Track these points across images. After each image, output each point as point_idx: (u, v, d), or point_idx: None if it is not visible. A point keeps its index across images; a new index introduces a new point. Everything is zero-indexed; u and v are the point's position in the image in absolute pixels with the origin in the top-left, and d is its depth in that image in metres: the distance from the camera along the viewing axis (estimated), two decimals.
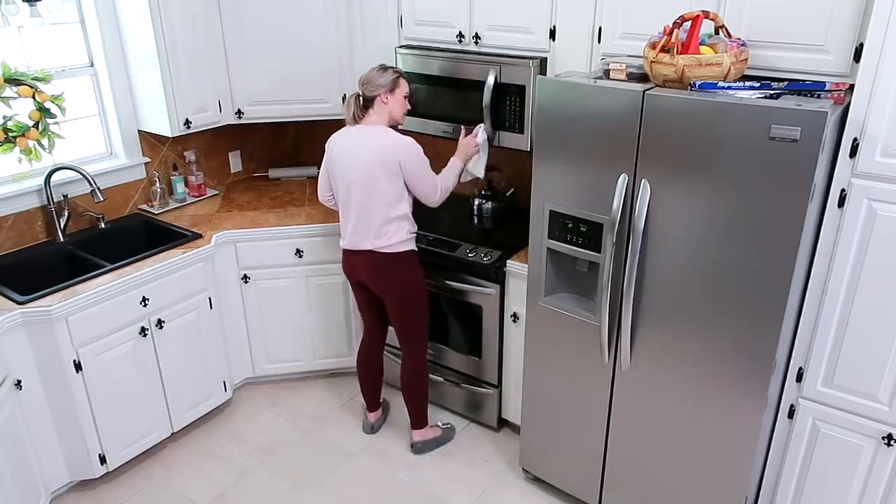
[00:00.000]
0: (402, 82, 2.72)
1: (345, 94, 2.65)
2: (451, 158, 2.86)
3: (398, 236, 2.74)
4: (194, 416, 3.23)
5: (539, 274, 2.56)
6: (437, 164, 3.62)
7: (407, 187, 2.72)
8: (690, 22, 2.12)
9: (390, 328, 3.13)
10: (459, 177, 2.88)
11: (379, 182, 2.65)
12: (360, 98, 2.72)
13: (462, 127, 2.97)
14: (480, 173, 2.94)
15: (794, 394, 2.32)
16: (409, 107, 2.79)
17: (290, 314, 3.44)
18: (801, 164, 1.87)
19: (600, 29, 2.59)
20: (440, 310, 3.18)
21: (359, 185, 2.68)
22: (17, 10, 2.81)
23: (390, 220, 2.71)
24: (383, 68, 2.71)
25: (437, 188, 2.75)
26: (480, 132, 2.87)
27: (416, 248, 2.83)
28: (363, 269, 2.82)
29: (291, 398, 3.54)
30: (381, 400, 3.32)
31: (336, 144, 2.76)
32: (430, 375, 3.30)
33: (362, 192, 2.68)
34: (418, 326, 2.93)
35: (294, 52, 3.34)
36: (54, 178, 3.04)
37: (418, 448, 3.13)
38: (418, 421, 3.10)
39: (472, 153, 2.89)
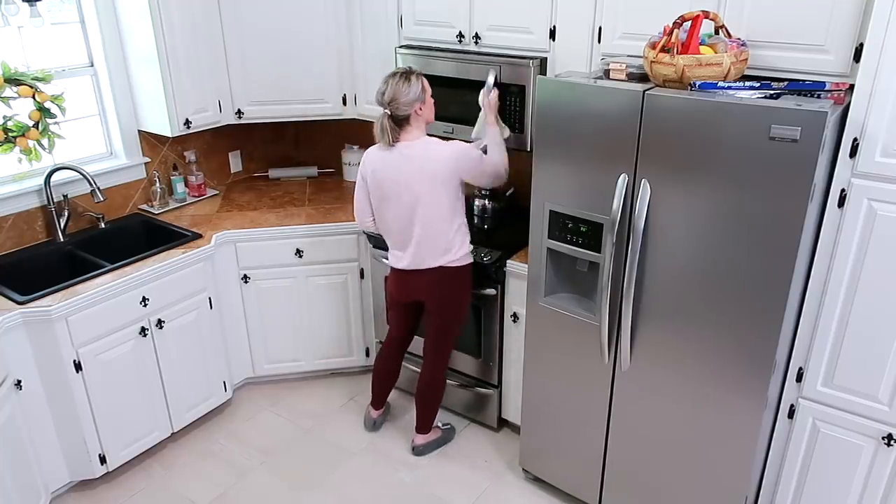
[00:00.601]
0: (426, 83, 2.62)
1: (385, 90, 2.57)
2: (487, 130, 2.76)
3: (465, 248, 2.74)
4: (194, 416, 3.23)
5: (539, 274, 2.56)
6: None
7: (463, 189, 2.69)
8: (690, 22, 2.12)
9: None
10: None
11: (441, 198, 2.61)
12: (392, 119, 2.59)
13: (480, 101, 2.84)
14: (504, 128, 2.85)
15: (794, 394, 2.32)
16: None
17: (290, 314, 3.44)
18: (801, 164, 1.87)
19: (600, 29, 2.58)
20: None
21: (421, 207, 2.63)
22: (17, 10, 2.81)
23: (456, 232, 2.70)
24: (405, 78, 2.55)
25: (497, 167, 2.69)
26: (489, 79, 2.77)
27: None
28: (425, 286, 2.78)
29: (291, 398, 3.54)
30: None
31: (379, 169, 2.65)
32: None
33: (426, 212, 2.63)
34: (452, 337, 2.94)
35: (294, 52, 3.34)
36: (54, 178, 3.04)
37: (419, 451, 3.13)
38: (424, 426, 3.10)
39: (496, 105, 2.77)
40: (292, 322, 3.46)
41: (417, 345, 3.18)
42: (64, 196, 3.12)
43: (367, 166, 2.71)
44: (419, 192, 2.61)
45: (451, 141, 2.63)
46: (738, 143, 1.95)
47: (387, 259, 2.89)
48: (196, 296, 3.09)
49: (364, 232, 3.26)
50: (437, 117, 3.08)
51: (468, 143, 2.67)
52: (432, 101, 2.69)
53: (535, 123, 2.38)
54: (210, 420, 3.36)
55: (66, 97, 2.92)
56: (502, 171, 2.73)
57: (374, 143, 2.74)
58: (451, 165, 2.59)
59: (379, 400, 3.24)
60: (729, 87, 2.05)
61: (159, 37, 3.04)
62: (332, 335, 3.53)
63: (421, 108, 2.61)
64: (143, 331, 2.88)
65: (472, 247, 2.81)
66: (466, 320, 2.99)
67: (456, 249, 2.71)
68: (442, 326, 2.88)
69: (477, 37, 2.94)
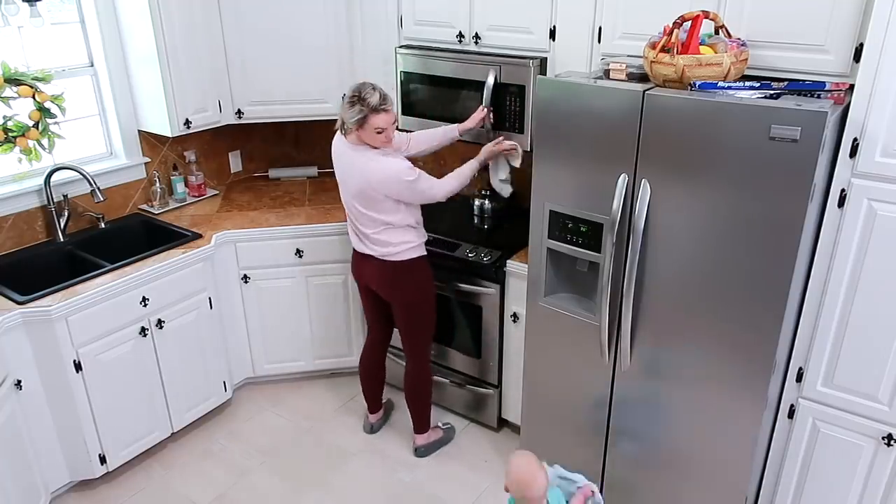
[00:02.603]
0: (373, 119, 2.50)
1: (344, 94, 2.62)
2: (473, 160, 2.81)
3: (400, 246, 2.72)
4: (194, 416, 3.23)
5: (539, 274, 2.56)
6: (435, 166, 3.62)
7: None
8: (690, 22, 2.12)
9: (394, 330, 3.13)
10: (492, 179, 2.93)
11: (370, 200, 2.64)
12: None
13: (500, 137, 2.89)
14: (506, 191, 3.03)
15: (794, 394, 2.32)
16: (387, 136, 2.58)
17: (290, 314, 3.44)
18: (801, 165, 1.87)
19: (600, 29, 2.58)
20: (440, 310, 3.17)
21: (355, 201, 2.69)
22: (17, 10, 2.81)
23: (396, 227, 2.68)
24: (351, 103, 2.52)
25: (434, 195, 2.68)
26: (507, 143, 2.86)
27: (424, 254, 2.81)
28: (370, 274, 2.82)
29: (291, 398, 3.54)
30: (384, 400, 3.32)
31: (338, 154, 2.72)
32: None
33: (358, 206, 2.69)
34: (424, 332, 2.93)
35: (294, 52, 3.33)
36: (54, 178, 3.04)
37: (421, 452, 3.13)
38: (421, 425, 3.10)
39: (493, 156, 2.86)
40: (292, 322, 3.46)
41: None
42: (64, 196, 3.12)
43: (333, 146, 2.75)
44: (353, 185, 2.66)
45: (394, 159, 2.59)
46: (738, 143, 1.95)
47: None
48: (196, 296, 3.09)
49: None
50: (436, 117, 3.09)
51: (407, 164, 2.60)
52: (380, 136, 2.55)
53: (535, 123, 2.38)
54: (210, 420, 3.36)
55: (66, 97, 2.92)
56: (441, 196, 2.70)
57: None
58: (378, 186, 2.59)
59: (373, 403, 3.23)
60: (729, 87, 2.05)
61: (159, 37, 3.04)
62: (332, 335, 3.53)
63: (357, 132, 2.57)
64: (143, 331, 2.88)
65: (420, 242, 2.77)
66: (433, 321, 2.94)
67: (389, 247, 2.71)
68: (406, 322, 2.88)
69: (477, 37, 2.94)
